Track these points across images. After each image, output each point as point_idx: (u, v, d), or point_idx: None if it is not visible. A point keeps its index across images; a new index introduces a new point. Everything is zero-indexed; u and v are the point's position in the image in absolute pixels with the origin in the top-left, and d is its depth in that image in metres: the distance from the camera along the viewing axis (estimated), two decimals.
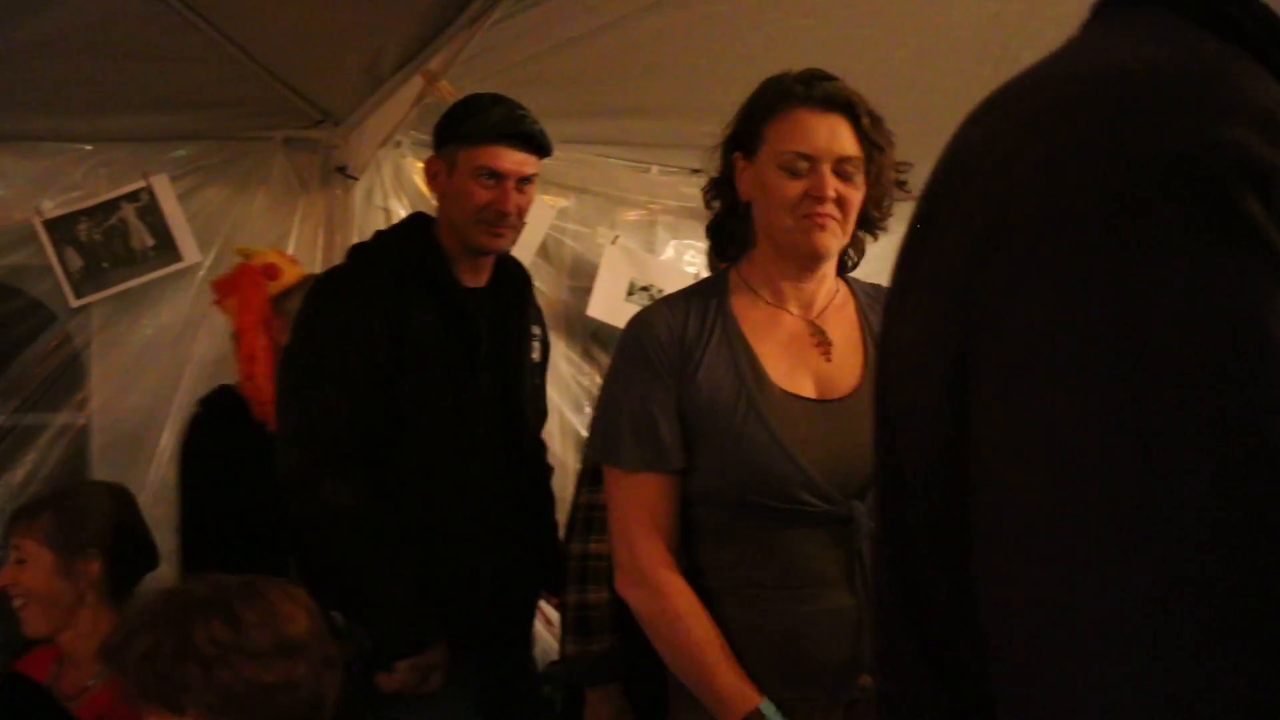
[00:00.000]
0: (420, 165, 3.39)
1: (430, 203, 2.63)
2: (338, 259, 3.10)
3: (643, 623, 1.79)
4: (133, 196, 3.22)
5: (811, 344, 1.81)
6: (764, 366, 1.77)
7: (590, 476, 2.59)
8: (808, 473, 1.71)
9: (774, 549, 1.73)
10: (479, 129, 2.32)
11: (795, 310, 1.85)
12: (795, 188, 1.72)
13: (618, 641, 2.43)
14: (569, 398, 3.63)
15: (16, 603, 2.23)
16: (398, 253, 2.38)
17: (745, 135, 1.82)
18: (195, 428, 2.91)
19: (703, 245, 3.32)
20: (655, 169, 3.80)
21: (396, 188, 3.41)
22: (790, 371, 1.78)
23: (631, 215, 3.80)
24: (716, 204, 1.91)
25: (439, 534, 2.29)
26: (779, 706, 1.67)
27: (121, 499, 2.49)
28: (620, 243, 3.70)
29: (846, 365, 1.81)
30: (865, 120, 1.75)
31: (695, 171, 3.77)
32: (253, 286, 2.86)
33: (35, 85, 2.95)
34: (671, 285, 3.67)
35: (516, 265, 2.61)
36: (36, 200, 3.17)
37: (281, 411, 2.30)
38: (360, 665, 2.16)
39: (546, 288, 3.50)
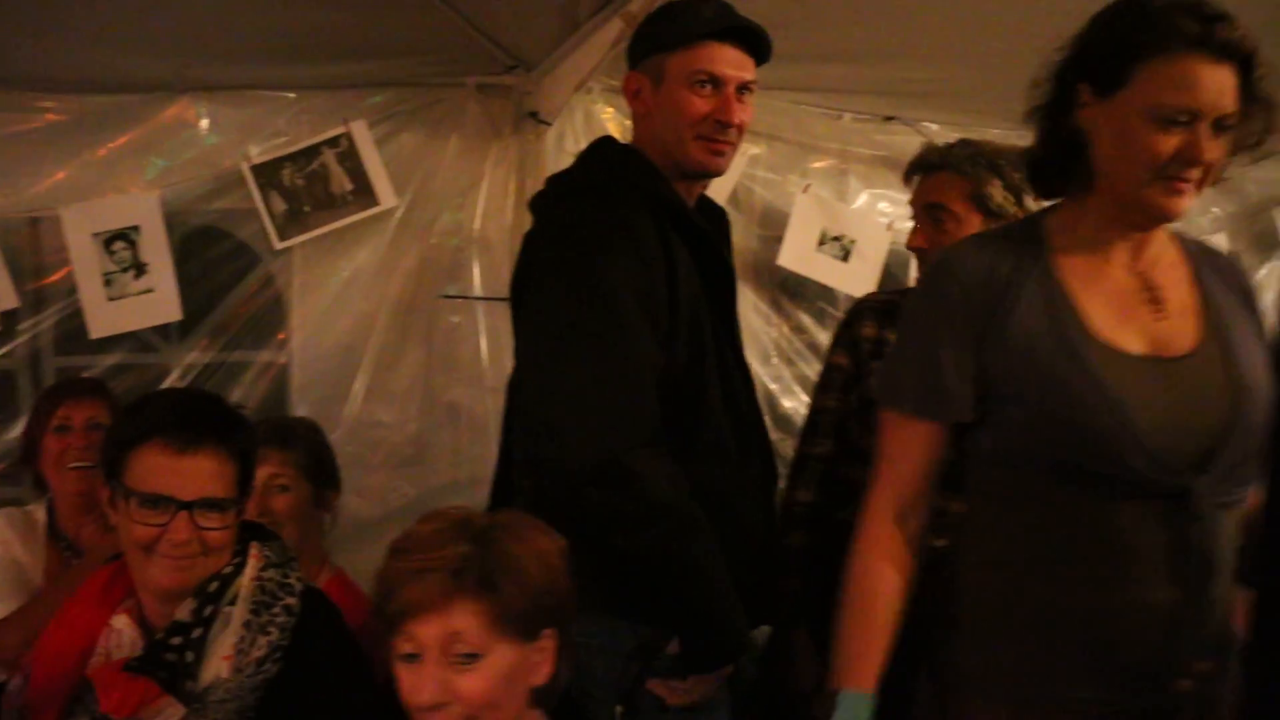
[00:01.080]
0: (610, 112, 3.39)
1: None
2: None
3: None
4: (333, 142, 3.29)
5: (1142, 299, 1.62)
6: (1087, 318, 1.58)
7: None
8: (1139, 433, 1.49)
9: (1083, 520, 1.53)
10: (693, 27, 2.02)
11: (1123, 262, 1.64)
12: (1167, 145, 1.48)
13: (804, 584, 2.39)
14: (757, 349, 3.56)
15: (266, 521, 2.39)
16: (643, 188, 2.03)
17: (1102, 66, 1.54)
18: None
19: (898, 195, 3.27)
20: (848, 116, 3.69)
21: (588, 134, 3.38)
22: (1117, 325, 1.58)
23: (823, 163, 3.71)
24: (1042, 133, 1.67)
25: (730, 518, 1.97)
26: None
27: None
28: (812, 191, 3.62)
29: (1181, 325, 1.61)
30: (1258, 74, 1.50)
31: (889, 119, 3.67)
32: None
33: (243, 37, 3.04)
34: (864, 236, 3.59)
35: (711, 200, 2.32)
36: (244, 147, 3.27)
37: (560, 389, 1.88)
38: (639, 671, 1.97)
39: (736, 236, 3.43)
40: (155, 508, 1.77)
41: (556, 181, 2.21)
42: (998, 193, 2.33)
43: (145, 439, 1.80)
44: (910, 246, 2.51)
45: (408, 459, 3.36)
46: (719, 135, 2.05)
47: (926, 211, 2.43)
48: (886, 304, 2.59)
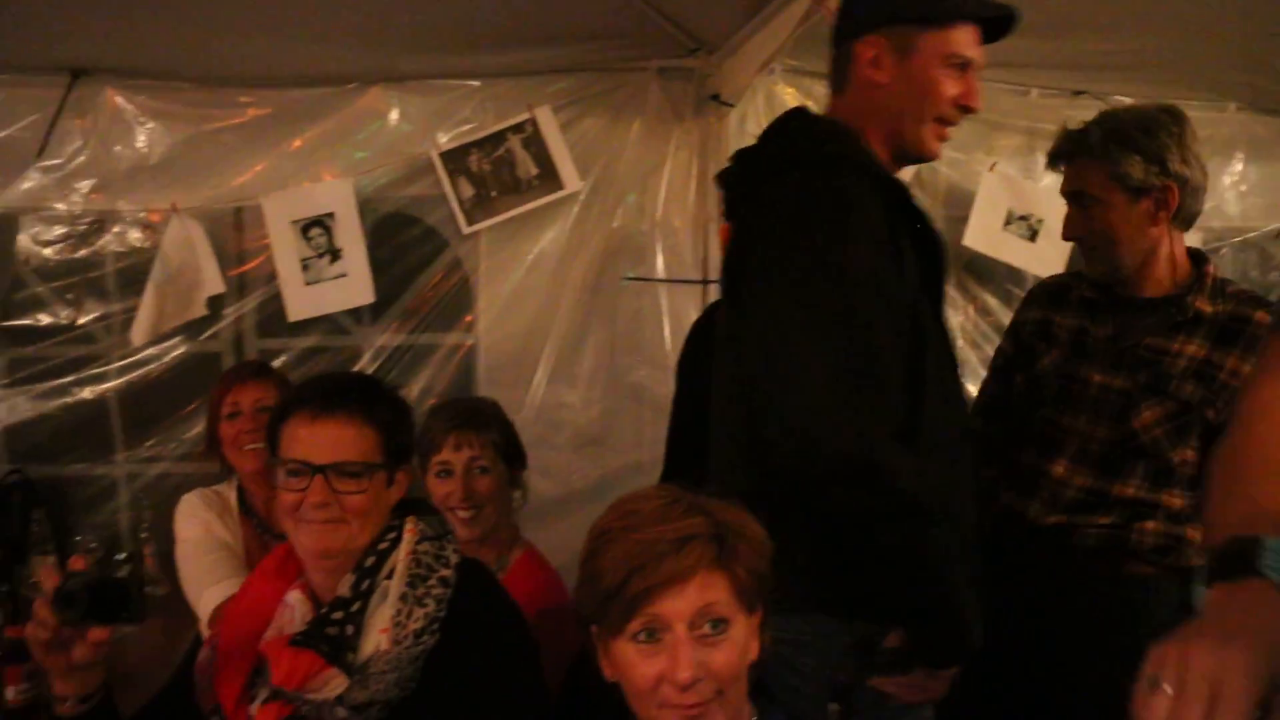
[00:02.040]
0: (792, 92, 3.36)
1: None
2: (711, 188, 3.15)
3: None
4: (518, 128, 3.35)
5: None
6: None
7: None
8: None
9: None
10: (961, 7, 1.89)
11: None
12: None
13: None
14: None
15: (466, 505, 2.45)
16: (866, 166, 1.89)
17: None
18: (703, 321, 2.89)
19: None
20: (1035, 91, 3.59)
21: (770, 115, 3.35)
22: None
23: (1010, 141, 3.62)
24: None
25: (951, 514, 1.85)
26: None
27: None
28: (998, 170, 3.54)
29: None
30: None
31: (1078, 93, 3.55)
32: None
33: (430, 28, 3.12)
34: (1052, 215, 3.47)
35: None
36: (432, 134, 3.36)
37: (805, 380, 1.73)
38: (858, 668, 1.88)
39: None
40: (297, 475, 1.81)
41: (762, 155, 2.06)
42: (1137, 169, 2.25)
43: (290, 412, 1.86)
44: (1066, 237, 2.44)
45: (591, 440, 3.40)
46: (954, 120, 1.96)
47: (1072, 200, 2.38)
48: (1059, 286, 2.53)
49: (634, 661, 1.44)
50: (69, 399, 3.40)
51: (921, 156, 2.02)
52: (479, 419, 2.59)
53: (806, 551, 1.70)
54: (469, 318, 3.44)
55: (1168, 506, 2.28)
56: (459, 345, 3.45)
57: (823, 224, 1.79)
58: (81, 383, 3.40)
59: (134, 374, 3.40)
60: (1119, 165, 2.27)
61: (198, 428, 3.32)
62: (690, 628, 1.40)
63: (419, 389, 3.39)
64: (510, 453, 2.63)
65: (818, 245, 1.77)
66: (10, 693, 2.25)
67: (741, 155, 2.11)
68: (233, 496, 2.77)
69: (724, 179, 2.12)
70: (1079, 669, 2.25)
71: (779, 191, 1.88)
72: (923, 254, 1.92)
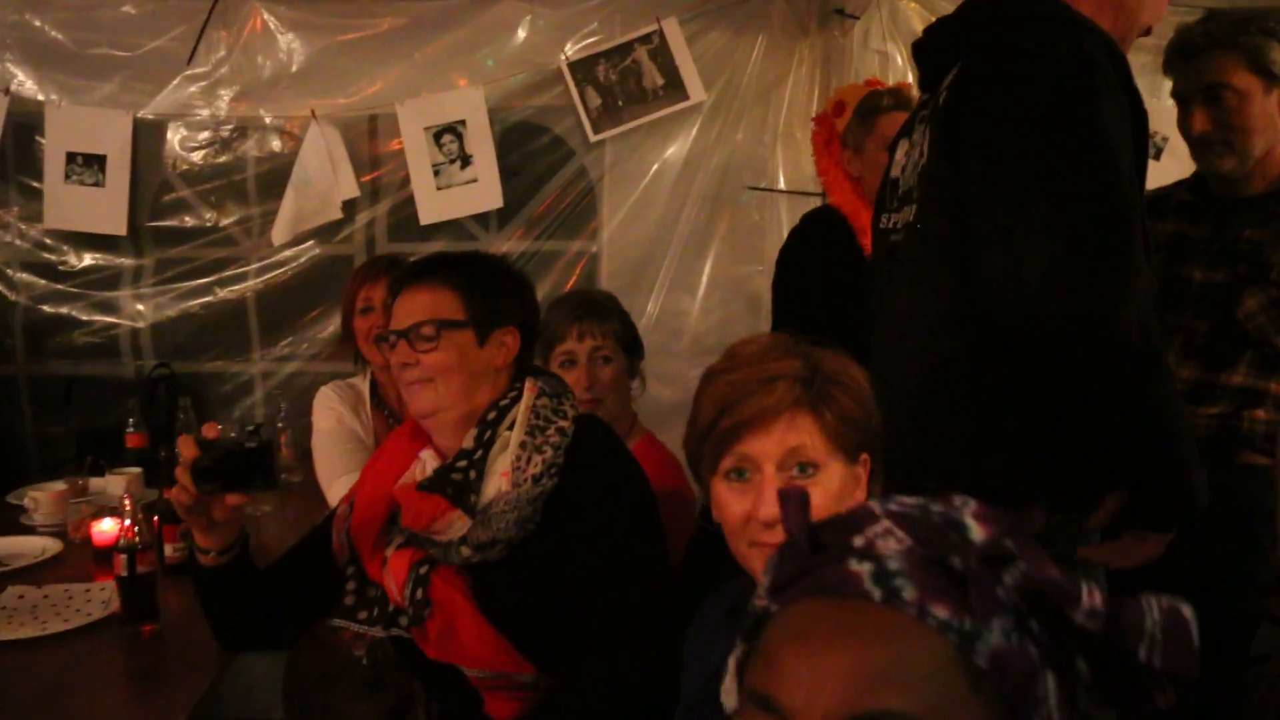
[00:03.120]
0: (914, 7, 3.37)
1: None
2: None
3: None
4: (645, 39, 3.41)
5: None
6: None
7: None
8: None
9: None
10: None
11: None
12: None
13: None
14: None
15: (590, 394, 2.52)
16: (1101, 35, 1.80)
17: None
18: (793, 241, 2.97)
19: None
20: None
21: (892, 31, 3.40)
22: None
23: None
24: None
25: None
26: None
27: None
28: None
29: None
30: None
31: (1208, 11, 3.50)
32: (824, 123, 2.97)
33: None
34: (1176, 134, 3.44)
35: None
36: (562, 45, 3.43)
37: (1049, 227, 1.66)
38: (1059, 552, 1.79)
39: None
40: (390, 345, 1.93)
41: (976, 18, 1.93)
42: (1278, 55, 2.24)
43: (393, 295, 1.98)
44: (1193, 133, 2.40)
45: (709, 348, 3.46)
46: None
47: (1205, 94, 2.35)
48: (1156, 197, 2.50)
49: (726, 499, 1.45)
50: (210, 298, 3.57)
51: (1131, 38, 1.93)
52: (600, 310, 2.65)
53: (1001, 431, 1.70)
54: (592, 225, 3.52)
55: (1277, 394, 2.29)
56: (582, 252, 3.53)
57: (1072, 79, 1.70)
58: (222, 283, 3.57)
59: (271, 275, 3.56)
60: (1261, 53, 2.26)
61: (330, 328, 3.46)
62: (779, 468, 1.40)
63: (542, 295, 3.44)
64: (630, 343, 2.70)
65: (1069, 98, 1.69)
66: (169, 550, 2.40)
67: (941, 25, 2.03)
68: (366, 389, 2.89)
69: (922, 49, 2.04)
70: (1194, 560, 2.25)
71: (1018, 44, 1.79)
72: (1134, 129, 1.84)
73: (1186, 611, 0.76)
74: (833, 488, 1.41)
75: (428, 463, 2.03)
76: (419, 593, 1.93)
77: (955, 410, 1.84)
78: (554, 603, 1.87)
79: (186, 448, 1.79)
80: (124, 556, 2.19)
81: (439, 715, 2.18)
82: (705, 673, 1.55)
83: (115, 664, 2.13)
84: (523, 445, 1.91)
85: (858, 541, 0.76)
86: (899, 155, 2.02)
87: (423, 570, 1.94)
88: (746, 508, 1.41)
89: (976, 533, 0.74)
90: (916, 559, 0.74)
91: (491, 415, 1.95)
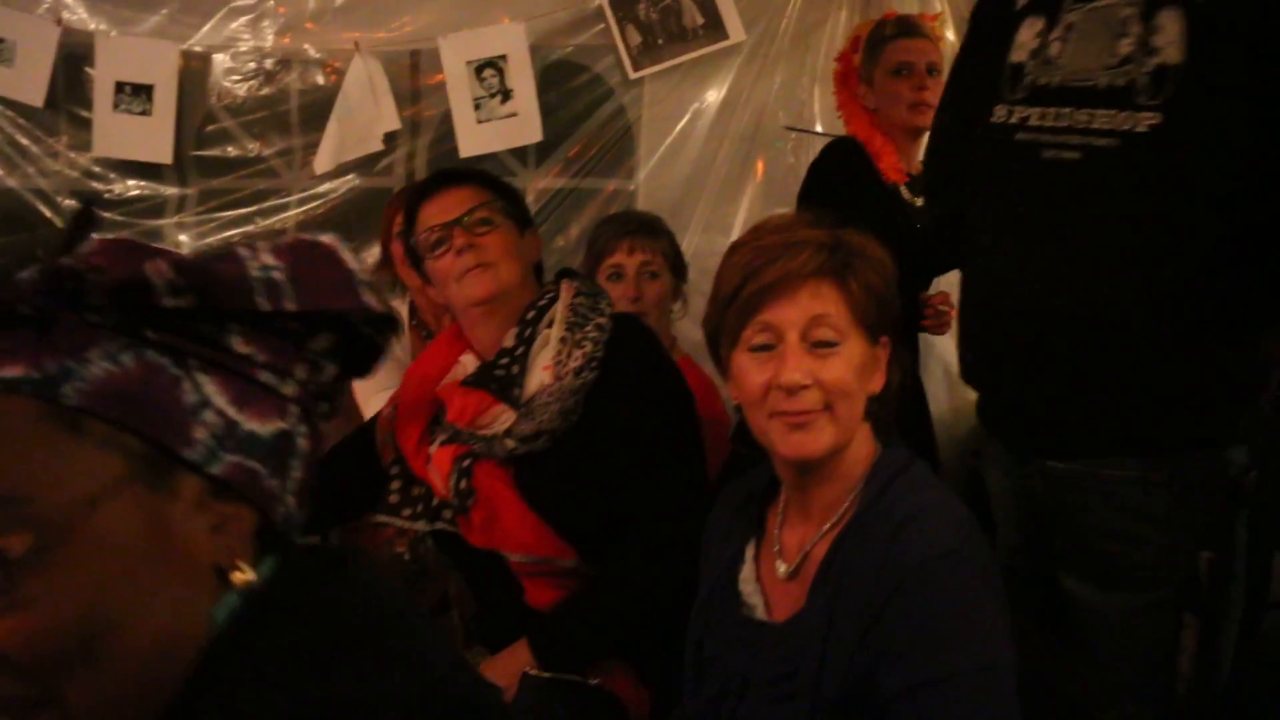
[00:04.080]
0: None
1: None
2: None
3: None
4: None
5: None
6: None
7: None
8: None
9: None
10: None
11: None
12: None
13: None
14: None
15: (635, 306, 2.55)
16: None
17: None
18: (813, 172, 2.98)
19: None
20: None
21: None
22: None
23: None
24: None
25: None
26: None
27: None
28: None
29: None
30: None
31: None
32: (844, 59, 3.02)
33: None
34: None
35: None
36: None
37: None
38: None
39: None
40: (438, 241, 1.97)
41: None
42: None
43: (415, 207, 2.03)
44: None
45: None
46: None
47: None
48: None
49: (747, 370, 1.43)
50: (252, 228, 3.61)
51: None
52: (652, 228, 2.70)
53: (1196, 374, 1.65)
54: (629, 164, 3.54)
55: None
56: (619, 191, 3.56)
57: None
58: (263, 213, 3.62)
59: (311, 206, 3.60)
60: None
61: (369, 259, 3.50)
62: (802, 338, 1.39)
63: (578, 232, 3.51)
64: (676, 265, 2.74)
65: None
66: None
67: None
68: (404, 310, 2.93)
69: None
70: None
71: None
72: None
73: (325, 240, 0.74)
74: (854, 363, 1.41)
75: (467, 365, 2.07)
76: (463, 483, 1.97)
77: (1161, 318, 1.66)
78: (594, 491, 1.92)
79: None
80: None
81: (478, 610, 2.23)
82: (722, 563, 1.58)
83: None
84: (563, 340, 1.95)
85: None
86: (1025, 37, 1.78)
87: (466, 463, 1.98)
88: (767, 377, 1.40)
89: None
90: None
91: (530, 314, 1.99)
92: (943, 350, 3.03)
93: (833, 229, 1.46)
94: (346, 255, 0.73)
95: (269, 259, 0.69)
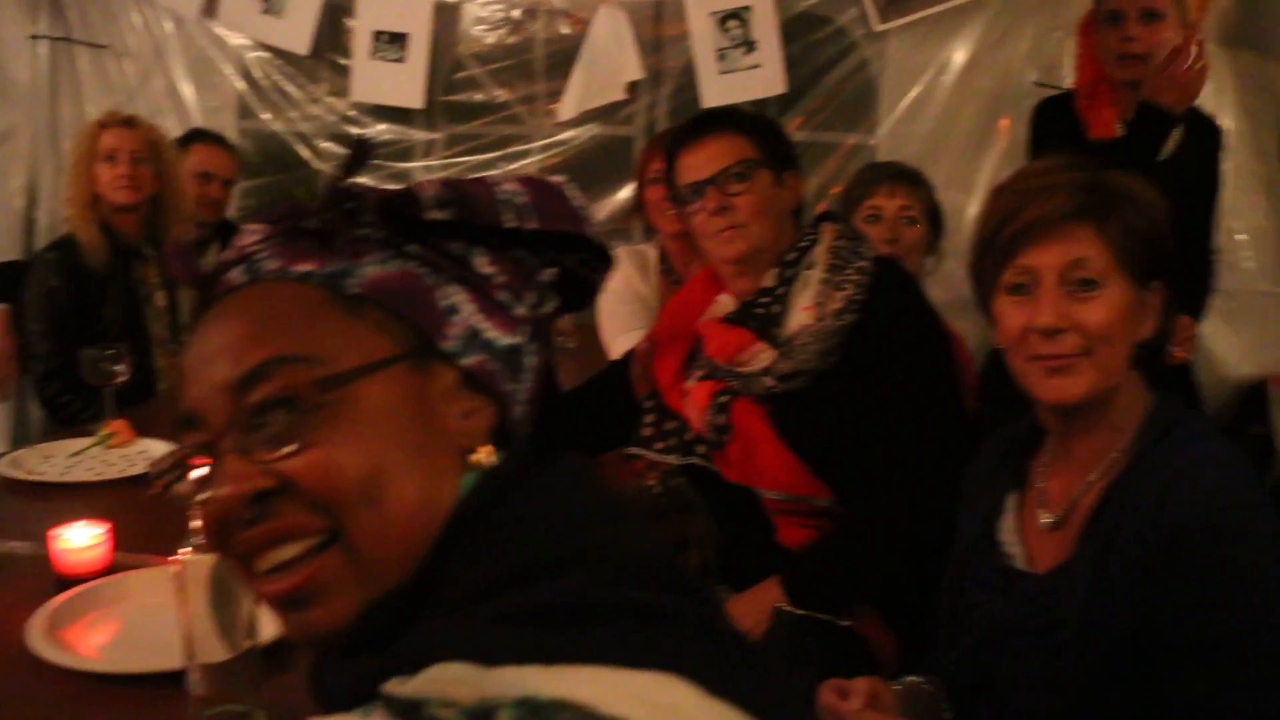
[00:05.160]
0: None
1: None
2: None
3: None
4: None
5: None
6: None
7: None
8: None
9: None
10: None
11: None
12: None
13: None
14: None
15: (890, 248, 2.56)
16: None
17: None
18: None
19: None
20: None
21: None
22: None
23: None
24: None
25: None
26: None
27: None
28: None
29: None
30: None
31: None
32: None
33: None
34: None
35: None
36: None
37: None
38: None
39: None
40: (691, 196, 1.97)
41: None
42: None
43: (674, 155, 2.02)
44: None
45: None
46: None
47: None
48: None
49: (1005, 313, 1.41)
50: (496, 172, 3.74)
51: None
52: (914, 176, 2.69)
53: None
54: (871, 120, 3.52)
55: None
56: (859, 146, 3.54)
57: None
58: (508, 158, 3.74)
59: (553, 153, 3.70)
60: None
61: (609, 207, 3.59)
62: (1060, 281, 1.36)
63: (816, 185, 3.51)
64: (935, 216, 2.72)
65: None
66: None
67: None
68: (654, 255, 3.00)
69: None
70: None
71: None
72: None
73: (556, 179, 0.82)
74: (1118, 307, 1.36)
75: (726, 303, 2.10)
76: (720, 419, 2.01)
77: None
78: (851, 432, 1.92)
79: None
80: None
81: (725, 547, 2.28)
82: (982, 513, 1.58)
83: None
84: (824, 282, 1.96)
85: (229, 255, 0.78)
86: None
87: (723, 399, 2.02)
88: (1025, 319, 1.38)
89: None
90: (277, 237, 0.76)
91: (791, 256, 2.01)
92: None
93: (1094, 171, 1.42)
94: (573, 193, 0.82)
95: (512, 186, 0.79)
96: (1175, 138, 2.49)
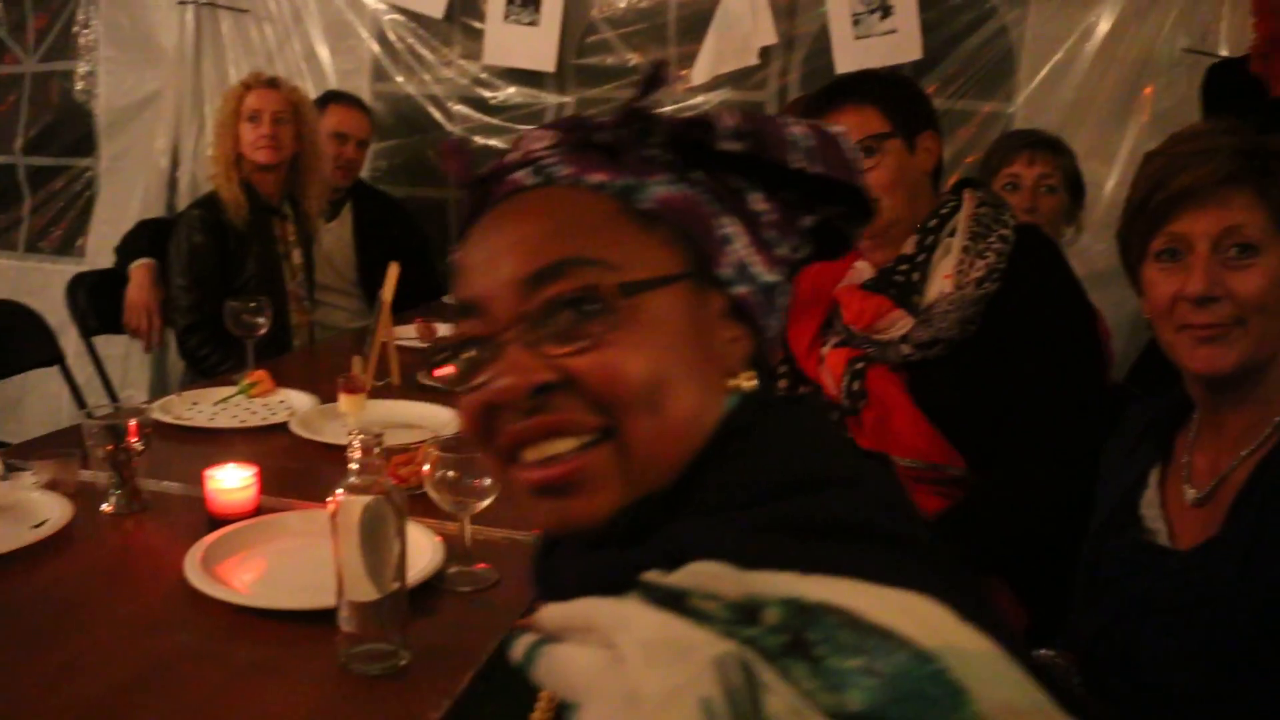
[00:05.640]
0: None
1: None
2: None
3: None
4: None
5: None
6: None
7: None
8: None
9: None
10: None
11: None
12: None
13: None
14: None
15: (1030, 218, 2.49)
16: None
17: None
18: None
19: None
20: None
21: None
22: None
23: None
24: None
25: None
26: None
27: None
28: None
29: None
30: None
31: None
32: None
33: None
34: None
35: None
36: None
37: None
38: None
39: None
40: None
41: None
42: None
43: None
44: None
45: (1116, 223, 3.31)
46: None
47: None
48: None
49: (1155, 281, 1.37)
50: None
51: None
52: (1056, 144, 2.62)
53: None
54: (1009, 87, 3.43)
55: None
56: (996, 114, 3.45)
57: None
58: None
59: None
60: None
61: None
62: (1214, 249, 1.32)
63: (950, 154, 3.43)
64: (1075, 185, 2.64)
65: None
66: None
67: None
68: None
69: None
70: None
71: None
72: None
73: (835, 128, 0.83)
74: (1275, 275, 1.32)
75: (864, 271, 2.08)
76: (856, 384, 2.00)
77: None
78: (989, 402, 1.89)
79: None
80: None
81: None
82: (1123, 487, 1.53)
83: None
84: (965, 250, 1.93)
85: (513, 156, 0.79)
86: None
87: (859, 366, 2.00)
88: (1175, 287, 1.34)
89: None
90: (566, 145, 0.77)
91: (933, 223, 1.98)
92: None
93: (1251, 134, 1.36)
94: (848, 143, 0.83)
95: (800, 129, 0.80)
96: None
